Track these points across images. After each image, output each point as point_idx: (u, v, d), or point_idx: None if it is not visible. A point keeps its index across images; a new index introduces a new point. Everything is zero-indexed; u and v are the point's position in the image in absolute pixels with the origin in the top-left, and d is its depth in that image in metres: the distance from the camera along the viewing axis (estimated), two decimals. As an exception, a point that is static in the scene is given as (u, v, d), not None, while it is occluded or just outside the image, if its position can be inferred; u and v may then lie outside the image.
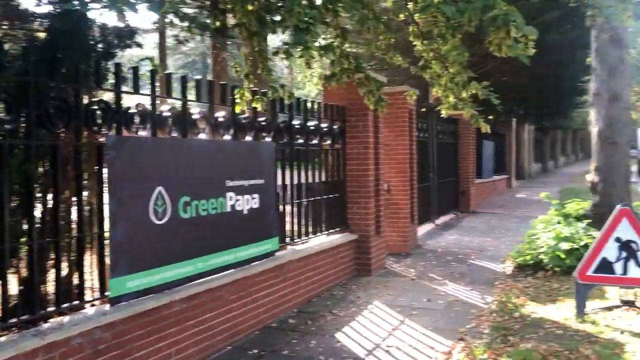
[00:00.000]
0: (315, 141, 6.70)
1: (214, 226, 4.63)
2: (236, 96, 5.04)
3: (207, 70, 35.94)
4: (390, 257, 8.40)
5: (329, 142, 7.06)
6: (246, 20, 4.16)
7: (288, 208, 6.22)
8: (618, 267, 5.14)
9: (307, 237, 6.49)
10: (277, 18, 4.07)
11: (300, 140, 6.40)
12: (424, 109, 11.14)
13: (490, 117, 20.33)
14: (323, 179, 6.98)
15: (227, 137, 5.14)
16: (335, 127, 7.13)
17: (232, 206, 4.87)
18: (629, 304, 5.39)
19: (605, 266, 5.18)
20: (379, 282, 7.00)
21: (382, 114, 6.15)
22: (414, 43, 5.58)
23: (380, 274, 7.47)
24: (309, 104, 6.55)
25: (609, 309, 5.40)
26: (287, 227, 6.25)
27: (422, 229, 10.68)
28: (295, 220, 6.30)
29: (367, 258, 7.40)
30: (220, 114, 5.09)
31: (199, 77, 7.67)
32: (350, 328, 5.26)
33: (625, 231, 5.15)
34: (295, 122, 6.25)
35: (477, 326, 5.24)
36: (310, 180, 6.60)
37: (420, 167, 10.17)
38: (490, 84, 6.14)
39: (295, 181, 6.29)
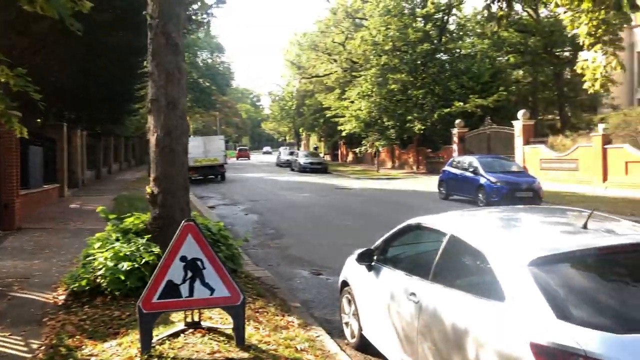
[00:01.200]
0: None
1: None
2: None
3: None
4: None
5: None
6: None
7: None
8: (184, 289, 4.69)
9: None
10: None
11: None
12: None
13: (38, 120, 18.25)
14: None
15: None
16: None
17: None
18: (194, 325, 5.05)
19: (172, 290, 4.66)
20: None
21: None
22: None
23: None
24: None
25: (176, 334, 4.91)
26: None
27: (-54, 258, 8.35)
28: None
29: None
30: None
31: None
32: None
33: (190, 249, 4.76)
34: None
35: (18, 390, 4.01)
36: None
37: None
38: (35, 81, 4.86)
39: None
